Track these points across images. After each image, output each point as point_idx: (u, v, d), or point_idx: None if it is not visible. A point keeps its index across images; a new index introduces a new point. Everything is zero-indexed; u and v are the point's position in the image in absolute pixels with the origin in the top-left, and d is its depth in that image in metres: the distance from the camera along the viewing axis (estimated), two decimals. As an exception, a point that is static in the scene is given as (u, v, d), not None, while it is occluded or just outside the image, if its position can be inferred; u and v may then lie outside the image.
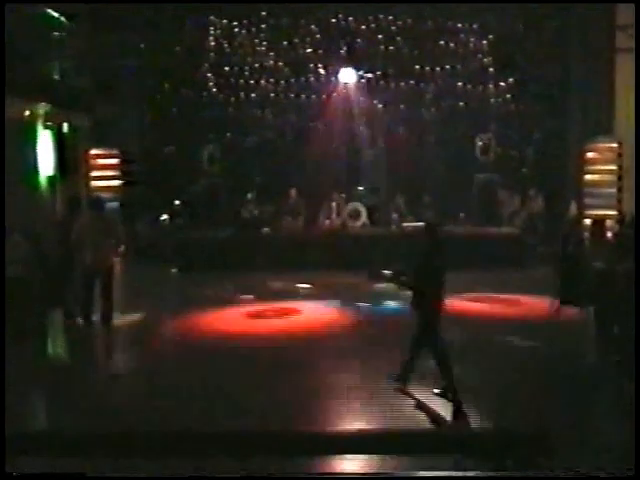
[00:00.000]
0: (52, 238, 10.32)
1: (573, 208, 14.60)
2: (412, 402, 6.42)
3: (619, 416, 6.06)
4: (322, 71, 16.65)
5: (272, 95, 16.86)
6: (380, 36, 16.47)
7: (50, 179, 13.36)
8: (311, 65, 16.65)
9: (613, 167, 14.76)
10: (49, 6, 13.56)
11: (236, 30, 16.59)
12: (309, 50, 16.62)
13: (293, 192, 15.74)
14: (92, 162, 15.22)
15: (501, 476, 2.87)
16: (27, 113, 12.60)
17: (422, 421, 5.93)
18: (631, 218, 10.55)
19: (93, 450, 3.09)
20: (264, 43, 16.62)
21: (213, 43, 16.65)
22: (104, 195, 14.62)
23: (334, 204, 15.60)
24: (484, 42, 16.38)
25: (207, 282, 12.91)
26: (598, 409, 6.55)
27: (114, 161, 15.25)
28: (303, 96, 16.77)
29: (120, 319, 9.94)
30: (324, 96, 16.62)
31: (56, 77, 14.11)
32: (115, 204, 14.62)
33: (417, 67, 16.57)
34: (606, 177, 14.85)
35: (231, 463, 3.02)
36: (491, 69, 16.47)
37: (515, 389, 6.71)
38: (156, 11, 15.86)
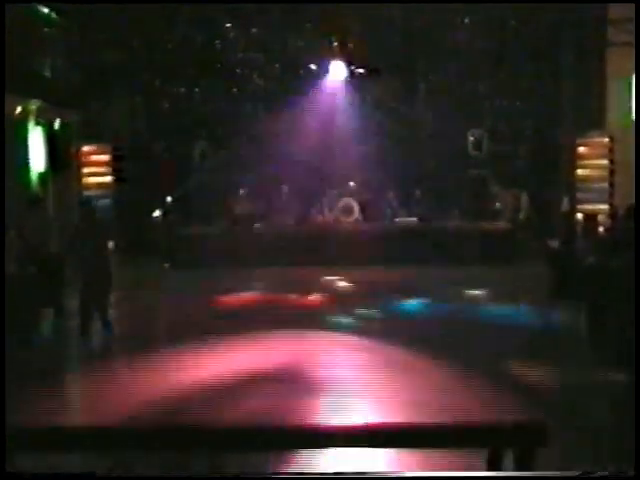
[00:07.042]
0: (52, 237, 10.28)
1: (565, 203, 14.67)
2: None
3: (617, 416, 6.07)
4: (313, 66, 16.58)
5: (263, 90, 16.80)
6: (371, 30, 16.39)
7: (42, 176, 13.32)
8: (302, 60, 16.56)
9: (605, 162, 14.83)
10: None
11: (228, 25, 16.50)
12: (300, 44, 16.54)
13: (285, 188, 15.73)
14: (84, 158, 15.16)
15: (501, 476, 2.87)
16: (19, 110, 12.54)
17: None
18: (625, 212, 10.55)
19: (102, 447, 3.07)
20: (255, 38, 16.54)
21: (204, 38, 16.55)
22: (97, 192, 14.66)
23: (326, 200, 15.60)
24: (476, 37, 16.34)
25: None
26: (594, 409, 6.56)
27: (106, 157, 15.19)
28: (294, 91, 16.67)
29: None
30: (315, 91, 16.53)
31: (47, 73, 14.04)
32: (107, 201, 14.58)
33: (409, 62, 16.53)
34: (598, 172, 14.92)
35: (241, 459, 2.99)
36: (483, 64, 16.44)
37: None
38: (147, 7, 15.74)
